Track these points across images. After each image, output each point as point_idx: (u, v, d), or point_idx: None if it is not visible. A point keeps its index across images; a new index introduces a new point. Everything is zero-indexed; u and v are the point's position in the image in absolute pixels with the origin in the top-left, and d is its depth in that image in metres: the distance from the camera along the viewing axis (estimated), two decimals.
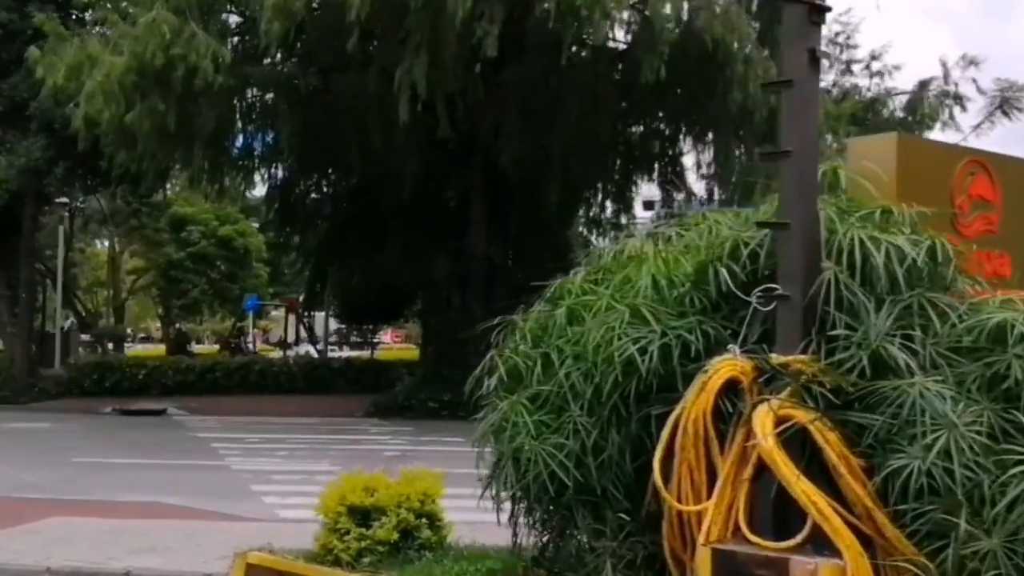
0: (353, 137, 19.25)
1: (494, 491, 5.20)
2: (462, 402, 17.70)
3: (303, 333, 45.70)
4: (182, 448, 15.29)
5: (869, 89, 22.62)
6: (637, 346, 4.22)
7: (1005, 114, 21.90)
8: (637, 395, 4.31)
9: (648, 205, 27.85)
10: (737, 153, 21.19)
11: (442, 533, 6.38)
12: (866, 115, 21.35)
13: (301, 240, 28.37)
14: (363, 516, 6.25)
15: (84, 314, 44.68)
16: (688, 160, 27.22)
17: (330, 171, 22.68)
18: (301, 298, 37.82)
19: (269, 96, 19.65)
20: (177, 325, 52.00)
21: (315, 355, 37.63)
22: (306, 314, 46.00)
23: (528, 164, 21.16)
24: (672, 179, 26.78)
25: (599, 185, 27.12)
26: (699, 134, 23.92)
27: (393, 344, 59.41)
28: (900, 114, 21.97)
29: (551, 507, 4.76)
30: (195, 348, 47.47)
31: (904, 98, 22.16)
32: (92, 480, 11.94)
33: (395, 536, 6.09)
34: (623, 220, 28.92)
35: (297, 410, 21.64)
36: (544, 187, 26.44)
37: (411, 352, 51.07)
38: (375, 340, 50.05)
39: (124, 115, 16.88)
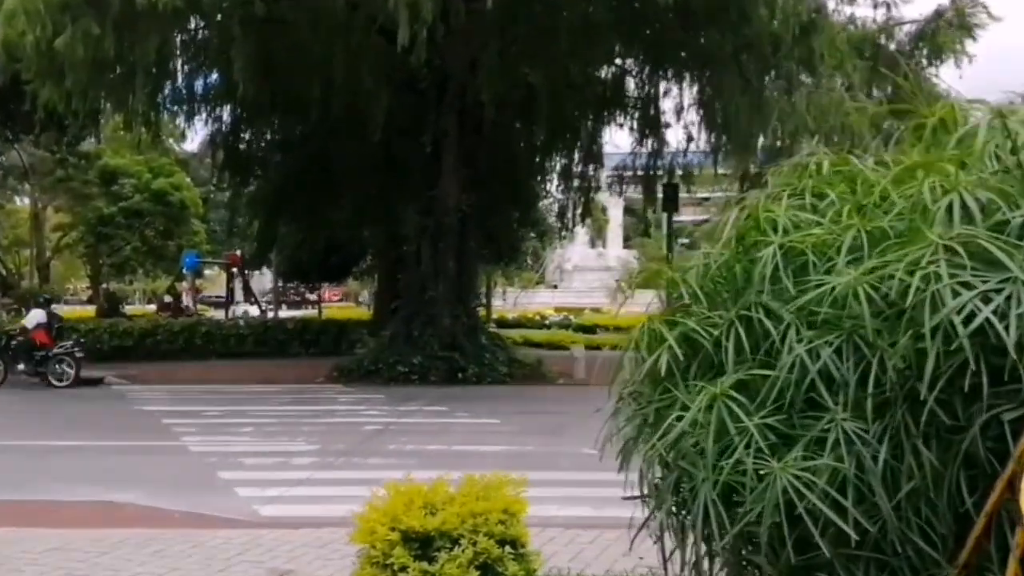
0: (314, 73, 17.12)
1: (656, 523, 3.40)
2: (434, 365, 15.94)
3: (247, 293, 43.30)
4: (129, 426, 13.27)
5: (874, 20, 21.07)
6: (992, 305, 2.46)
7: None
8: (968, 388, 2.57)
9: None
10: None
11: (531, 567, 4.63)
12: (875, 47, 19.90)
13: (247, 191, 26.04)
14: (423, 545, 4.45)
15: (5, 274, 41.74)
16: (666, 104, 25.66)
17: (284, 114, 20.41)
18: (243, 255, 35.59)
19: (216, 23, 17.30)
20: (104, 285, 49.08)
21: (255, 315, 35.41)
22: (243, 272, 43.60)
23: (507, 105, 19.30)
24: (651, 124, 25.06)
25: (573, 131, 25.32)
26: (690, 70, 22.17)
27: (331, 302, 57.22)
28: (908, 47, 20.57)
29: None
30: (127, 310, 44.73)
31: (911, 28, 20.72)
32: (27, 471, 9.94)
33: (474, 574, 4.32)
34: (590, 171, 27.30)
35: (252, 376, 19.62)
36: (521, 132, 24.69)
37: (356, 311, 49.11)
38: (316, 299, 47.90)
39: (52, 40, 14.47)
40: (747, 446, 2.61)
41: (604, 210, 48.39)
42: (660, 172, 24.72)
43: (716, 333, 2.92)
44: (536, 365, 20.46)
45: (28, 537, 6.71)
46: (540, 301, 53.48)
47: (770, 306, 2.83)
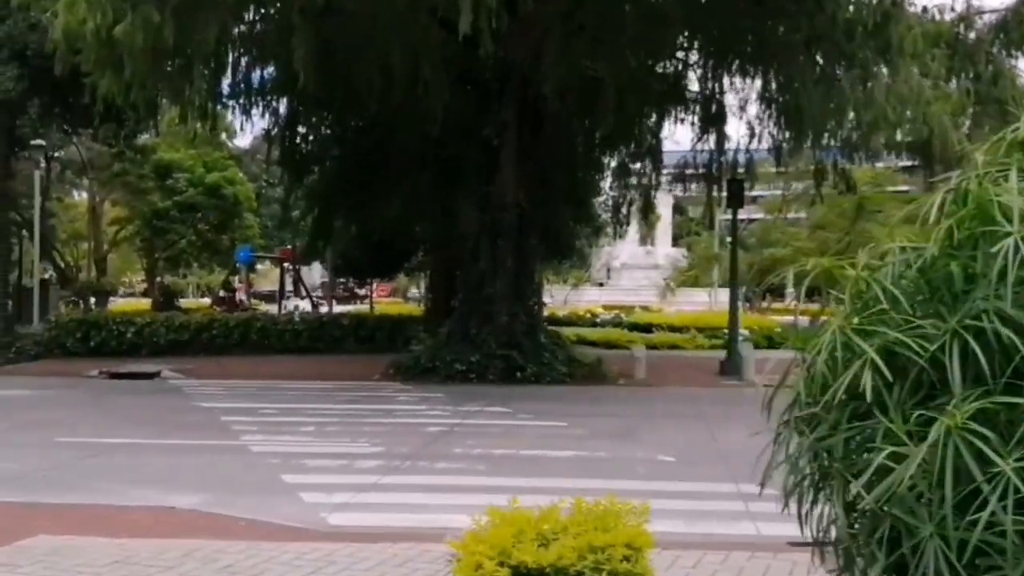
0: (373, 65, 16.70)
1: None
2: (492, 364, 15.46)
3: (297, 288, 43.31)
4: (187, 423, 12.96)
5: (952, 9, 20.18)
6: None
7: None
8: None
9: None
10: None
11: None
12: (954, 37, 19.03)
13: (303, 185, 25.78)
14: None
15: (64, 267, 42.12)
16: (728, 99, 24.93)
17: (341, 107, 20.06)
18: (295, 249, 35.49)
19: (276, 12, 16.97)
20: (159, 278, 49.45)
21: (307, 310, 35.29)
22: (293, 267, 43.60)
23: (566, 99, 18.74)
24: (713, 119, 24.34)
25: (632, 126, 24.65)
26: (756, 62, 21.42)
27: (379, 298, 57.13)
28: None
29: None
30: (181, 303, 44.95)
31: (991, 18, 19.82)
32: (83, 469, 9.64)
33: None
34: (648, 167, 26.62)
35: (308, 373, 19.32)
36: (578, 127, 24.13)
37: (406, 307, 48.89)
38: (367, 294, 47.79)
39: (111, 28, 14.23)
40: (1002, 496, 2.03)
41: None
42: (721, 168, 24.02)
43: (931, 347, 2.34)
44: (595, 365, 19.90)
45: (87, 546, 6.33)
46: (588, 299, 52.77)
47: (1009, 314, 2.24)
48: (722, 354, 23.96)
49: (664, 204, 55.08)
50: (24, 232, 36.24)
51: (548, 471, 9.66)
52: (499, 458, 10.42)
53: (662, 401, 16.01)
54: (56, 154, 39.81)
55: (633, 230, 50.94)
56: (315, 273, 60.29)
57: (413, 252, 36.97)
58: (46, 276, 41.23)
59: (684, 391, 17.77)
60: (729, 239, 53.85)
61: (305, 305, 43.57)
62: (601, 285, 61.48)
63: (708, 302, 52.58)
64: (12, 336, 23.67)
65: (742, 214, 66.71)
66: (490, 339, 19.26)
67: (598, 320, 37.15)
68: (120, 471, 9.56)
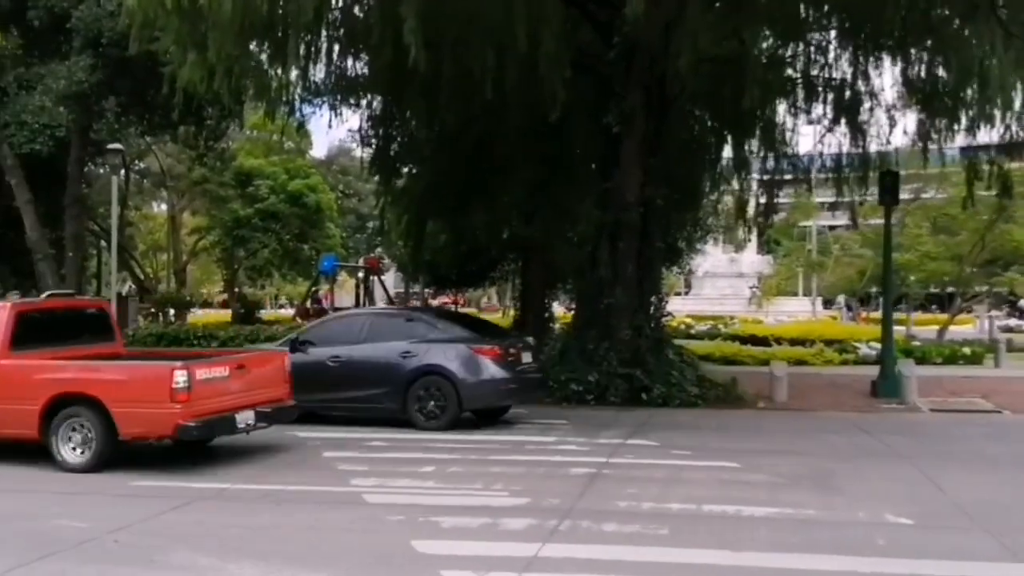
0: (486, 43, 14.57)
1: None
2: (613, 384, 13.02)
3: (370, 298, 41.45)
4: (283, 461, 10.92)
5: None
6: None
7: None
8: None
9: None
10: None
11: None
12: None
13: (395, 189, 23.81)
14: None
15: (143, 279, 41.11)
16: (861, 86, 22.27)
17: (448, 95, 17.88)
18: (382, 258, 33.82)
19: None
20: (236, 289, 48.27)
21: None
22: (369, 278, 41.88)
23: (706, 74, 16.41)
24: (847, 108, 21.69)
25: (755, 116, 22.12)
26: (903, 43, 18.83)
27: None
28: None
29: None
30: (261, 315, 43.60)
31: None
32: (162, 530, 7.62)
33: None
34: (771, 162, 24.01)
35: None
36: (697, 117, 21.76)
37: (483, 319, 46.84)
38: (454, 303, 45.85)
39: None
40: None
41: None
42: (866, 163, 21.36)
43: None
44: (730, 385, 17.49)
45: None
46: (670, 308, 50.06)
47: None
48: (860, 370, 21.34)
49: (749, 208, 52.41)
50: (103, 243, 35.19)
51: (753, 540, 7.35)
52: (680, 518, 8.13)
53: (826, 432, 13.52)
54: (135, 165, 38.88)
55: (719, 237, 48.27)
56: (388, 284, 58.82)
57: (500, 261, 35.03)
58: (125, 289, 40.24)
59: (841, 417, 15.23)
60: (835, 246, 50.76)
61: None
62: (679, 295, 58.74)
63: (810, 311, 49.53)
64: None
65: (829, 220, 63.29)
66: (611, 356, 16.98)
67: (692, 332, 34.64)
68: (208, 533, 7.52)
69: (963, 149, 19.72)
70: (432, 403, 13.40)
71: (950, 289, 38.14)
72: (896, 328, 37.21)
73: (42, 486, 9.41)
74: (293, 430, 13.02)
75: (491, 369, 13.56)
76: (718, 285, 58.00)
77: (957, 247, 30.73)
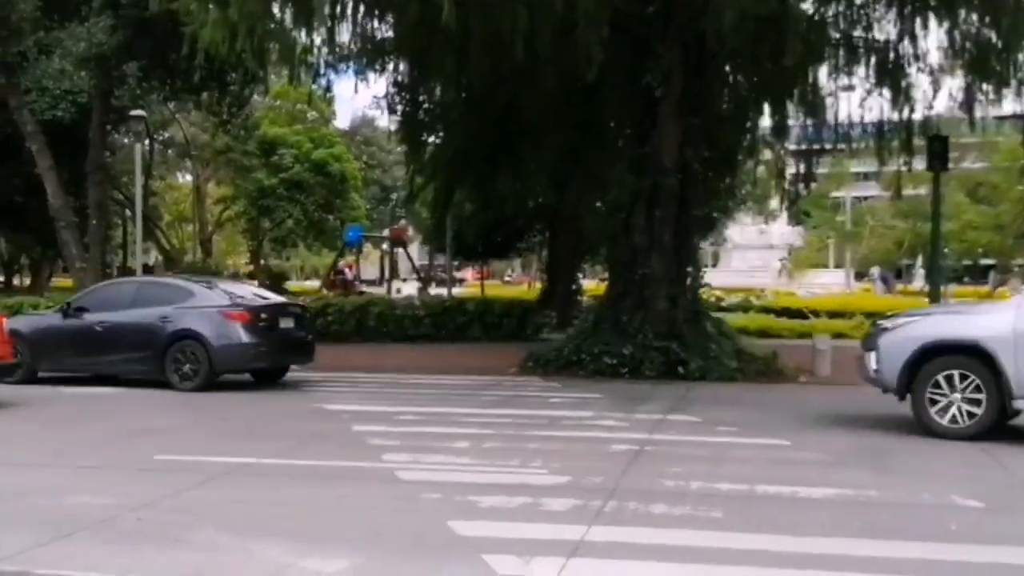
0: (519, 4, 13.97)
1: None
2: (648, 357, 12.47)
3: (394, 271, 41.12)
4: (313, 433, 10.52)
5: None
6: None
7: None
8: None
9: None
10: None
11: None
12: None
13: (423, 157, 23.26)
14: None
15: (169, 249, 40.89)
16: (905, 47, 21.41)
17: (480, 54, 17.28)
18: (409, 228, 33.37)
19: None
20: (261, 261, 48.04)
21: (412, 293, 33.08)
22: (394, 249, 41.50)
23: (745, 33, 15.69)
24: (890, 71, 20.87)
25: (794, 79, 21.31)
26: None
27: (475, 282, 54.93)
28: None
29: None
30: (287, 286, 43.32)
31: None
32: (187, 507, 7.22)
33: None
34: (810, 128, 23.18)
35: (436, 365, 16.84)
36: (732, 80, 21.01)
37: (511, 290, 46.42)
38: (480, 276, 45.41)
39: None
40: None
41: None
42: (909, 127, 20.57)
43: None
44: (770, 358, 16.93)
45: None
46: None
47: None
48: None
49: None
50: (127, 212, 34.95)
51: (813, 524, 6.85)
52: (733, 499, 7.63)
53: (874, 407, 12.91)
54: (159, 135, 38.55)
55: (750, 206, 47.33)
56: (413, 256, 58.42)
57: (528, 231, 34.57)
58: (151, 259, 40.07)
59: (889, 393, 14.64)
60: (866, 217, 49.76)
61: (409, 288, 41.48)
62: (706, 267, 58.08)
63: (843, 283, 48.75)
64: None
65: (860, 189, 62.04)
66: (646, 328, 16.47)
67: (722, 304, 33.99)
68: (235, 511, 7.12)
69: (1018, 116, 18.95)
70: (187, 366, 14.29)
71: (987, 260, 37.27)
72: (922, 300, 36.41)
73: (61, 460, 9.06)
74: (321, 402, 12.66)
75: (241, 333, 14.39)
76: (747, 257, 57.31)
77: (998, 217, 29.88)
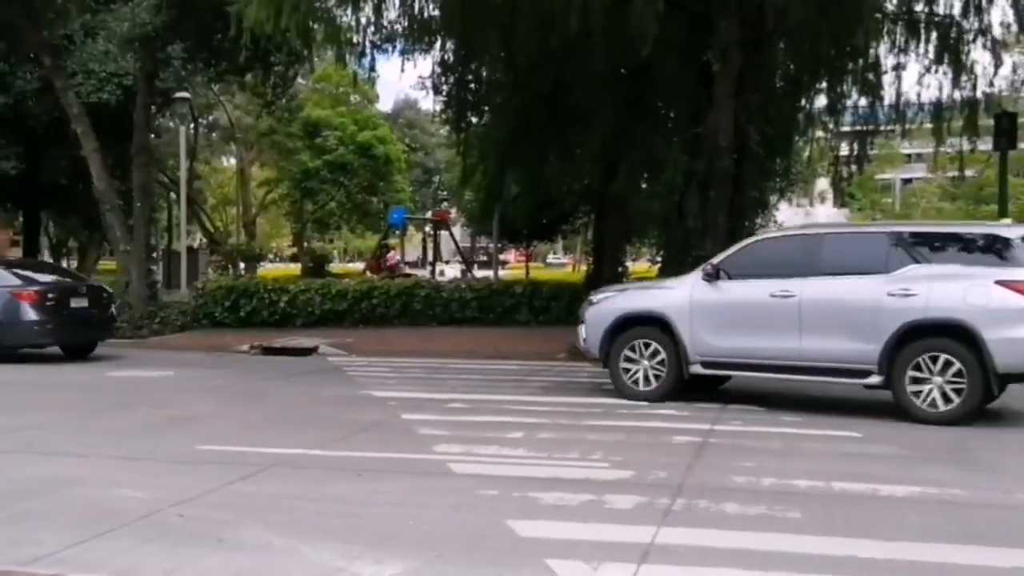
0: None
1: None
2: None
3: (436, 253, 40.75)
4: (360, 423, 10.16)
5: None
6: None
7: None
8: None
9: None
10: None
11: None
12: None
13: (470, 137, 22.80)
14: None
15: (213, 232, 40.95)
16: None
17: (524, 34, 16.78)
18: (453, 211, 33.03)
19: None
20: (304, 243, 48.00)
21: (455, 275, 32.77)
22: (438, 231, 41.13)
23: (809, 5, 15.02)
24: (950, 46, 20.00)
25: (848, 56, 20.49)
26: None
27: (517, 263, 54.54)
28: None
29: None
30: (331, 268, 43.22)
31: None
32: (232, 502, 6.89)
33: None
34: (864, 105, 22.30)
35: (483, 350, 16.45)
36: (787, 56, 20.27)
37: (554, 273, 45.90)
38: (526, 258, 44.98)
39: None
40: None
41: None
42: (974, 105, 19.70)
43: None
44: None
45: None
46: None
47: None
48: None
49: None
50: (172, 195, 34.97)
51: (901, 527, 6.35)
52: (810, 498, 7.14)
53: None
54: (204, 118, 38.52)
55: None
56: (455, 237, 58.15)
57: (573, 212, 34.07)
58: (196, 242, 40.15)
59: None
60: (912, 198, 48.49)
61: (451, 271, 41.16)
62: None
63: None
64: (157, 305, 21.75)
65: (907, 171, 60.41)
66: None
67: None
68: (282, 507, 6.77)
69: None
70: None
71: None
72: None
73: (101, 450, 8.78)
74: (367, 388, 12.34)
75: (28, 312, 15.80)
76: None
77: None
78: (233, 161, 43.64)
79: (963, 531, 6.26)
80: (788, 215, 55.89)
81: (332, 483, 7.45)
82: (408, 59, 19.81)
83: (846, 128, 23.32)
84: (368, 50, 18.74)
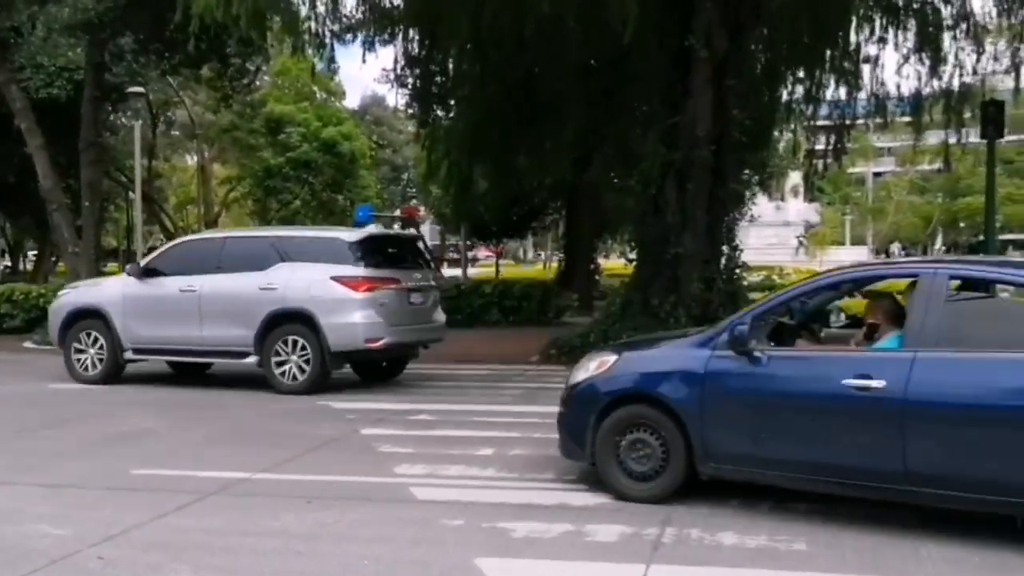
0: None
1: None
2: None
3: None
4: (317, 439, 9.27)
5: None
6: None
7: None
8: None
9: None
10: None
11: None
12: None
13: (435, 131, 21.94)
14: None
15: (174, 232, 39.80)
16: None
17: (485, 26, 15.94)
18: (422, 208, 32.20)
19: None
20: None
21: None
22: (407, 229, 40.26)
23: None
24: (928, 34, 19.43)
25: (824, 44, 19.86)
26: None
27: (487, 260, 53.75)
28: None
29: None
30: None
31: None
32: (164, 542, 6.02)
33: None
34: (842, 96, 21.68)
35: (451, 352, 15.56)
36: (762, 45, 19.59)
37: (525, 271, 45.14)
38: (495, 255, 44.20)
39: None
40: None
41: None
42: (948, 98, 19.15)
43: None
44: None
45: None
46: None
47: None
48: None
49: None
50: (131, 195, 33.81)
51: (918, 558, 5.63)
52: (812, 522, 6.39)
53: None
54: (165, 116, 37.41)
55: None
56: (424, 236, 57.33)
57: (545, 208, 33.36)
58: (159, 244, 38.95)
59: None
60: (882, 192, 48.14)
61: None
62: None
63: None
64: None
65: (882, 165, 60.20)
66: (679, 311, 15.20)
67: (744, 282, 32.62)
68: (219, 546, 5.91)
69: None
70: None
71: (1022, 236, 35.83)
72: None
73: (26, 476, 7.87)
74: (325, 399, 11.49)
75: None
76: (764, 234, 56.03)
77: None
78: (193, 159, 42.54)
79: (987, 562, 5.55)
80: (762, 209, 55.65)
81: (277, 514, 6.61)
82: (370, 50, 18.94)
83: (824, 121, 22.77)
84: (327, 40, 17.84)
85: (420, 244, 14.73)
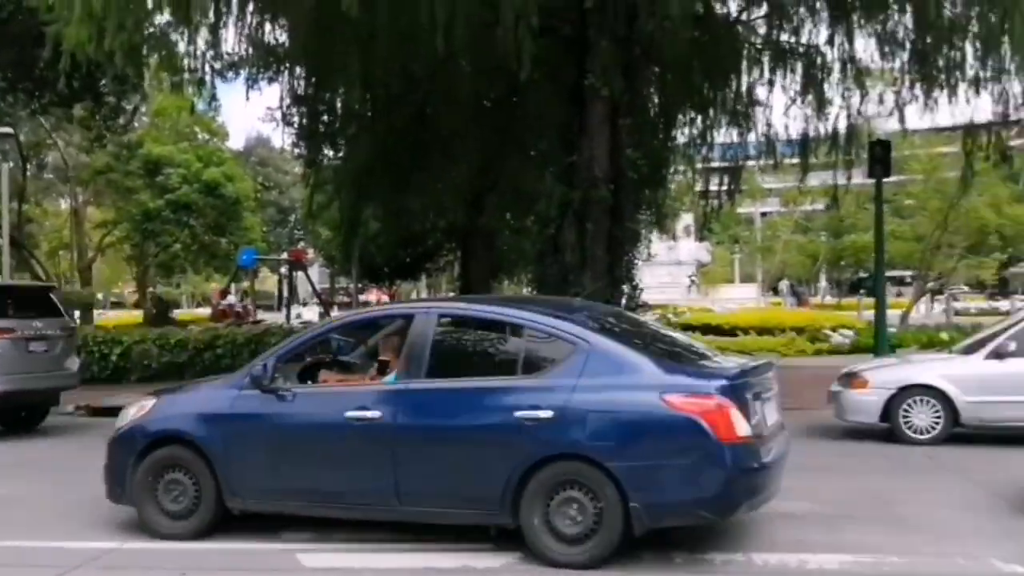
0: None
1: None
2: None
3: (292, 293, 38.76)
4: None
5: None
6: None
7: None
8: None
9: None
10: None
11: None
12: None
13: (322, 171, 21.25)
14: None
15: (45, 278, 37.74)
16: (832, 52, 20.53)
17: (372, 68, 15.48)
18: (310, 251, 31.30)
19: None
20: (150, 289, 45.03)
21: (312, 320, 31.05)
22: (293, 272, 39.27)
23: (674, 37, 14.40)
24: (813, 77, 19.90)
25: (717, 87, 20.14)
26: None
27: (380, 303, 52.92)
28: None
29: None
30: (177, 315, 40.42)
31: None
32: None
33: None
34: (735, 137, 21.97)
35: None
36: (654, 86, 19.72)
37: None
38: (389, 297, 43.44)
39: None
40: None
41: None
42: (837, 139, 19.58)
43: None
44: None
45: None
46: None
47: None
48: (839, 361, 19.56)
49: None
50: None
51: None
52: (730, 573, 6.03)
53: (846, 440, 11.65)
54: (36, 158, 35.67)
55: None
56: (313, 279, 56.25)
57: (439, 249, 32.85)
58: None
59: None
60: (768, 232, 49.48)
61: (309, 313, 39.19)
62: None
63: (755, 298, 48.41)
64: None
65: (761, 206, 61.83)
66: None
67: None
68: None
69: (965, 127, 17.94)
70: None
71: (905, 273, 37.12)
72: (847, 313, 35.91)
73: None
74: None
75: None
76: (657, 273, 56.80)
77: (916, 228, 29.54)
78: (67, 203, 40.62)
79: None
80: (655, 249, 56.44)
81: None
82: (254, 88, 18.24)
83: (715, 163, 23.06)
84: (208, 77, 17.11)
85: (51, 295, 14.50)
